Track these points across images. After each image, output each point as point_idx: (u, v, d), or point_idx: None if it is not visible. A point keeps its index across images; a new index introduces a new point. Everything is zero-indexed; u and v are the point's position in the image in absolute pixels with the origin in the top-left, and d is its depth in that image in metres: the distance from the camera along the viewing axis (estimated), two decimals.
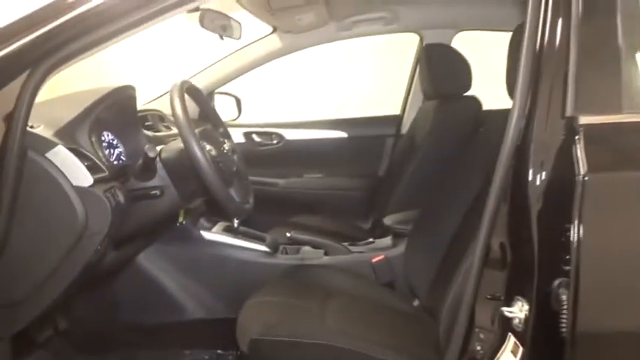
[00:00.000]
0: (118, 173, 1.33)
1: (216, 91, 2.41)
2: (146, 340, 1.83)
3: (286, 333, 1.30)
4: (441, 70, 2.06)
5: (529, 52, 0.94)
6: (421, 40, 2.45)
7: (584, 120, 0.90)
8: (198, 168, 1.31)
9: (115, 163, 1.40)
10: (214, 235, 1.89)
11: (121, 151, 1.45)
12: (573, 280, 0.85)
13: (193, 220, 1.86)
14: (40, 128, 1.19)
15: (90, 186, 1.15)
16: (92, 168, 1.19)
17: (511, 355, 0.93)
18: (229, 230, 1.92)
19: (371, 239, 1.98)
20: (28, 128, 1.09)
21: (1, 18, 1.01)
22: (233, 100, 2.45)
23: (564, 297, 0.86)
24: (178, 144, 1.41)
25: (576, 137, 0.89)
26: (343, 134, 2.55)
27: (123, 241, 1.44)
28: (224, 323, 1.55)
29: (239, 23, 1.94)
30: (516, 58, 0.95)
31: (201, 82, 2.25)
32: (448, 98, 2.06)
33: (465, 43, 2.33)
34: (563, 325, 0.86)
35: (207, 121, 1.68)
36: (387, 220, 1.94)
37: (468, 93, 2.04)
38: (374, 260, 1.83)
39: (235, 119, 2.47)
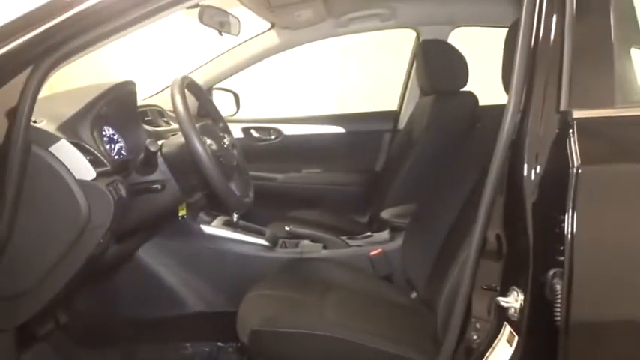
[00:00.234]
0: (119, 167, 1.34)
1: (215, 86, 2.42)
2: (147, 333, 1.83)
3: (286, 324, 1.32)
4: (437, 65, 2.07)
5: (524, 48, 0.95)
6: (418, 36, 2.46)
7: (577, 114, 0.92)
8: (199, 162, 1.32)
9: (116, 157, 1.41)
10: (214, 229, 1.89)
11: (121, 146, 1.46)
12: (567, 270, 0.87)
13: (193, 215, 1.87)
14: (44, 123, 1.20)
15: (93, 180, 1.16)
16: (94, 162, 1.20)
17: (506, 343, 0.95)
18: (229, 224, 1.94)
19: (369, 233, 1.99)
20: (32, 123, 1.10)
21: (4, 15, 1.02)
22: (231, 95, 2.46)
23: (558, 287, 0.88)
24: (179, 139, 1.42)
25: (570, 131, 0.90)
26: (341, 129, 2.56)
27: (125, 235, 1.45)
28: (224, 316, 1.57)
29: (238, 19, 1.95)
30: (512, 54, 0.97)
31: (199, 78, 2.25)
32: (445, 94, 2.07)
33: (461, 39, 2.34)
34: (558, 314, 0.88)
35: (207, 116, 1.69)
36: (385, 214, 1.95)
37: (465, 88, 2.06)
38: (372, 253, 1.84)
39: (233, 115, 2.48)
